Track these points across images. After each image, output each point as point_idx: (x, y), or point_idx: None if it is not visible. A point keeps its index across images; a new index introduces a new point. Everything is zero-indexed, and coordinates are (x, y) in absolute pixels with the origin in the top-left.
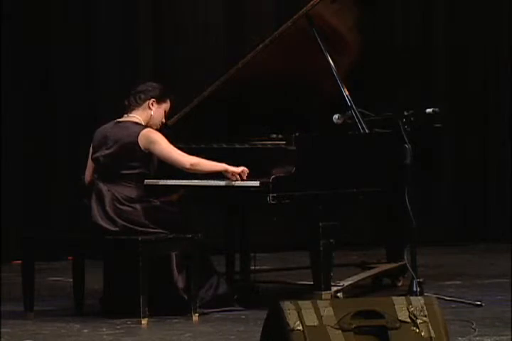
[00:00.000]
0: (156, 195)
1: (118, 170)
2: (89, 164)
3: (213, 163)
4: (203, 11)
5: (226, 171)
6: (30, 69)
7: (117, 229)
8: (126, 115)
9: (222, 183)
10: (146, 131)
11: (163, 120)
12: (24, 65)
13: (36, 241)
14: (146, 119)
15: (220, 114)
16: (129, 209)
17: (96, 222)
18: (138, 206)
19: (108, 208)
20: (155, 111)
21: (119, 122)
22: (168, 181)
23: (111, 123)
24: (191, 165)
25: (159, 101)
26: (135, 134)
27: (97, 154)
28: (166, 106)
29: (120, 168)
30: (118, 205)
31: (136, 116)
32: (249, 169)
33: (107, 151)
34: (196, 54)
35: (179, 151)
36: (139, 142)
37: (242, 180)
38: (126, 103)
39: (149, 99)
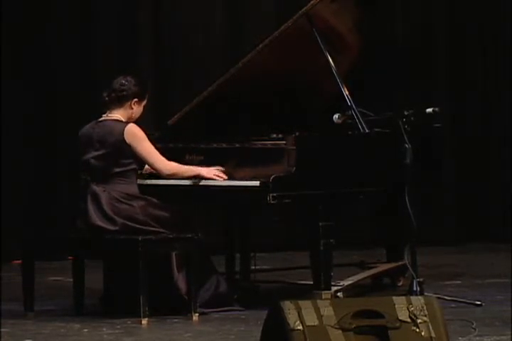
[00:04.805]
0: (156, 195)
1: (110, 169)
2: None
3: (189, 169)
4: (203, 11)
5: (200, 176)
6: (30, 69)
7: (117, 228)
8: (105, 115)
9: (222, 183)
10: (131, 126)
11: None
12: (24, 65)
13: (36, 241)
14: (127, 117)
15: (220, 113)
16: (127, 206)
17: (94, 223)
18: (135, 203)
19: (106, 208)
20: (136, 109)
21: (99, 122)
22: (167, 181)
23: (92, 124)
24: (168, 171)
25: (140, 99)
26: (120, 132)
27: (86, 156)
28: (145, 101)
29: (112, 167)
30: (116, 204)
31: (117, 115)
32: (249, 169)
33: (96, 153)
34: (196, 54)
35: (160, 155)
36: (125, 138)
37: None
38: (107, 99)
39: (131, 100)
